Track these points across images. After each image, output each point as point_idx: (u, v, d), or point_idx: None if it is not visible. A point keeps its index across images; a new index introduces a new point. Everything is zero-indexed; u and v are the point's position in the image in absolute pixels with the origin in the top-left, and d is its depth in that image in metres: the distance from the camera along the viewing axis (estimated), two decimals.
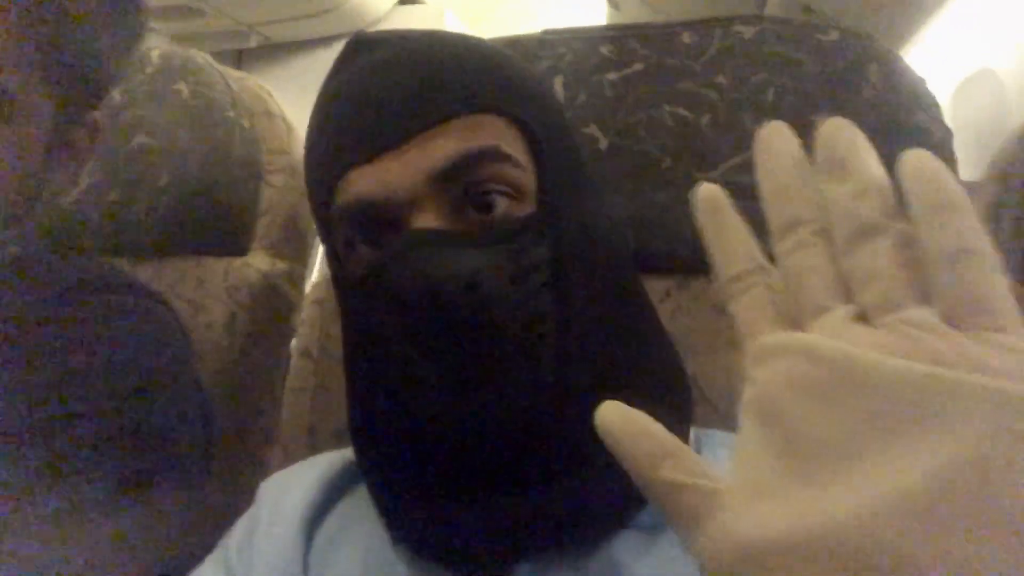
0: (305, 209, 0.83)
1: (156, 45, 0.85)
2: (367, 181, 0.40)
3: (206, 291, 0.75)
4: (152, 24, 0.58)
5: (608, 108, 0.65)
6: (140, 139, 0.79)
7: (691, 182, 0.62)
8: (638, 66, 0.66)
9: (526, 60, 0.65)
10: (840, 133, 0.25)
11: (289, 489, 0.48)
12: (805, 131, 0.26)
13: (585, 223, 0.44)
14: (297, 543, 0.44)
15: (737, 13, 0.67)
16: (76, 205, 0.78)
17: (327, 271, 0.69)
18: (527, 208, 0.41)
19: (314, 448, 0.66)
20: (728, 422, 0.48)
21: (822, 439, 0.22)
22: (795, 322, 0.25)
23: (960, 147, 0.62)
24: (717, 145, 0.62)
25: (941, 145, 0.61)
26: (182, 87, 0.81)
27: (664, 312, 0.59)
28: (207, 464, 0.59)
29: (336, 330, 0.67)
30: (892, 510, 0.19)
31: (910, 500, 0.19)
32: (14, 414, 0.46)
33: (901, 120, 0.60)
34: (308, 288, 0.77)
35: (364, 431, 0.46)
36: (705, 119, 0.63)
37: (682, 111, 0.63)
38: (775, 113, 0.62)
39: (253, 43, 1.99)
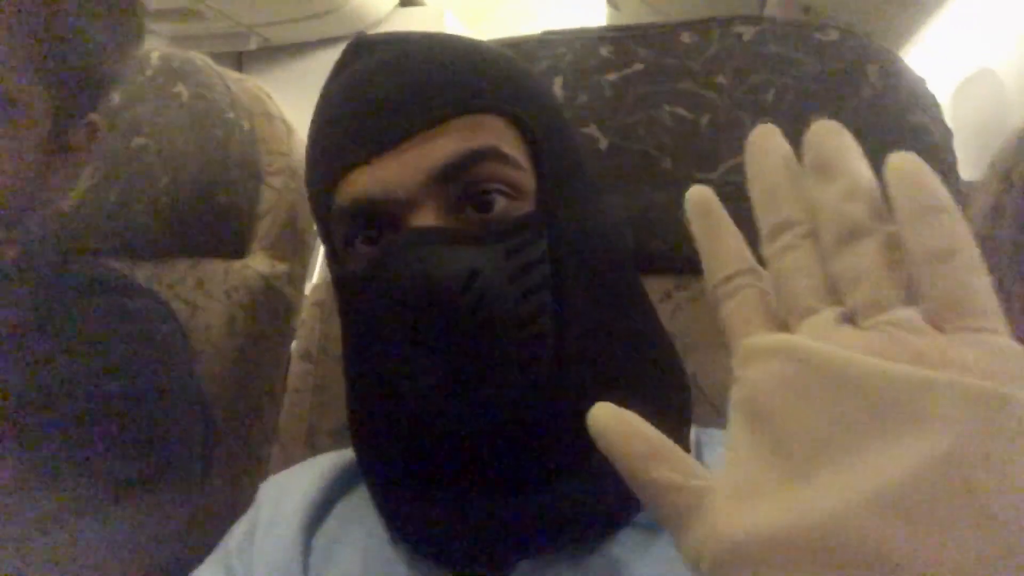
0: (305, 210, 0.83)
1: (156, 47, 0.85)
2: (367, 180, 0.40)
3: (205, 292, 0.75)
4: (152, 26, 0.58)
5: (608, 108, 0.65)
6: (139, 141, 0.79)
7: (690, 182, 0.62)
8: (638, 66, 0.66)
9: (526, 61, 0.65)
10: (828, 135, 0.25)
11: (289, 490, 0.48)
12: (804, 131, 0.26)
13: (584, 222, 0.44)
14: (297, 543, 0.44)
15: (737, 13, 0.67)
16: (75, 207, 0.78)
17: (327, 273, 0.69)
18: (526, 207, 0.41)
19: (314, 449, 0.66)
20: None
21: (808, 438, 0.22)
22: (784, 323, 0.25)
23: (960, 147, 0.62)
24: (717, 145, 0.62)
25: (941, 145, 0.61)
26: (181, 89, 0.81)
27: (664, 312, 0.59)
28: (207, 465, 0.59)
29: (335, 331, 0.67)
30: (873, 507, 0.20)
31: (891, 497, 0.20)
32: (12, 416, 0.46)
33: (901, 120, 0.60)
34: (308, 290, 0.77)
35: (364, 431, 0.46)
36: (705, 119, 0.63)
37: (682, 111, 0.63)
38: (775, 113, 0.62)
39: (253, 45, 1.99)
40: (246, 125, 0.81)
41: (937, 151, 0.60)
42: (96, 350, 0.51)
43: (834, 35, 0.63)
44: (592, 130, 0.65)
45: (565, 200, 0.43)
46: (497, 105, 0.42)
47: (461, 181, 0.40)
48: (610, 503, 0.40)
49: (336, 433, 0.66)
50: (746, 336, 0.26)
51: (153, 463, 0.50)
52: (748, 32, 0.65)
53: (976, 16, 1.18)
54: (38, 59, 0.51)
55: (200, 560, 0.47)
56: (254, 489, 0.51)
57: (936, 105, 0.62)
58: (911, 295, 0.23)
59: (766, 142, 0.27)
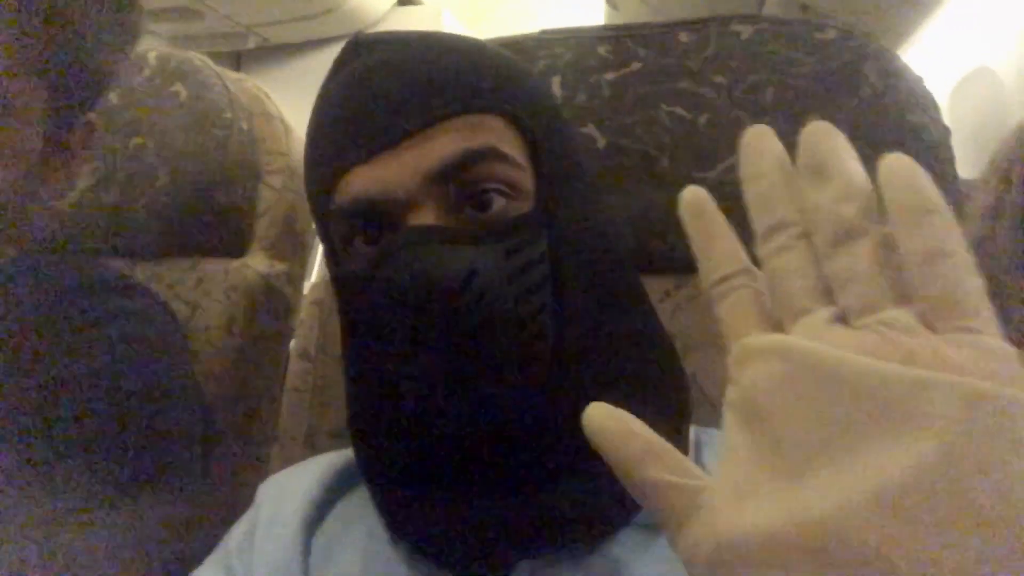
0: (303, 210, 0.83)
1: (154, 47, 0.85)
2: (365, 180, 0.40)
3: (204, 292, 0.75)
4: (150, 26, 0.58)
5: (606, 108, 0.65)
6: (138, 140, 0.79)
7: (689, 181, 0.62)
8: (636, 66, 0.66)
9: (524, 60, 0.65)
10: (822, 136, 0.25)
11: (289, 490, 0.48)
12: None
13: (583, 222, 0.44)
14: (297, 543, 0.44)
15: (735, 13, 0.67)
16: (74, 206, 0.78)
17: (325, 272, 0.69)
18: (525, 207, 0.41)
19: (313, 449, 0.66)
20: None
21: (801, 438, 0.22)
22: (779, 323, 0.25)
23: (958, 146, 0.62)
24: (715, 144, 0.62)
25: (939, 144, 0.61)
26: (180, 89, 0.81)
27: (663, 311, 0.59)
28: (206, 465, 0.59)
29: (334, 330, 0.67)
30: (866, 507, 0.20)
31: (884, 497, 0.20)
32: (12, 415, 0.46)
33: (899, 119, 0.60)
34: (307, 289, 0.77)
35: (363, 430, 0.46)
36: (703, 118, 0.63)
37: (680, 111, 0.63)
38: (773, 112, 0.62)
39: (251, 45, 1.99)
40: (245, 125, 0.81)
41: (936, 150, 0.60)
42: (95, 350, 0.51)
43: (832, 34, 0.63)
44: (590, 129, 0.65)
45: (564, 200, 0.43)
46: (496, 105, 0.42)
47: (460, 180, 0.40)
48: (610, 503, 0.40)
49: (335, 433, 0.66)
50: (741, 336, 0.26)
51: (152, 463, 0.50)
52: (746, 31, 0.65)
53: (974, 15, 1.18)
54: (36, 59, 0.51)
55: (200, 560, 0.47)
56: (253, 490, 0.51)
57: (935, 104, 0.62)
58: (904, 296, 0.23)
59: (760, 143, 0.27)
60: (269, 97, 0.88)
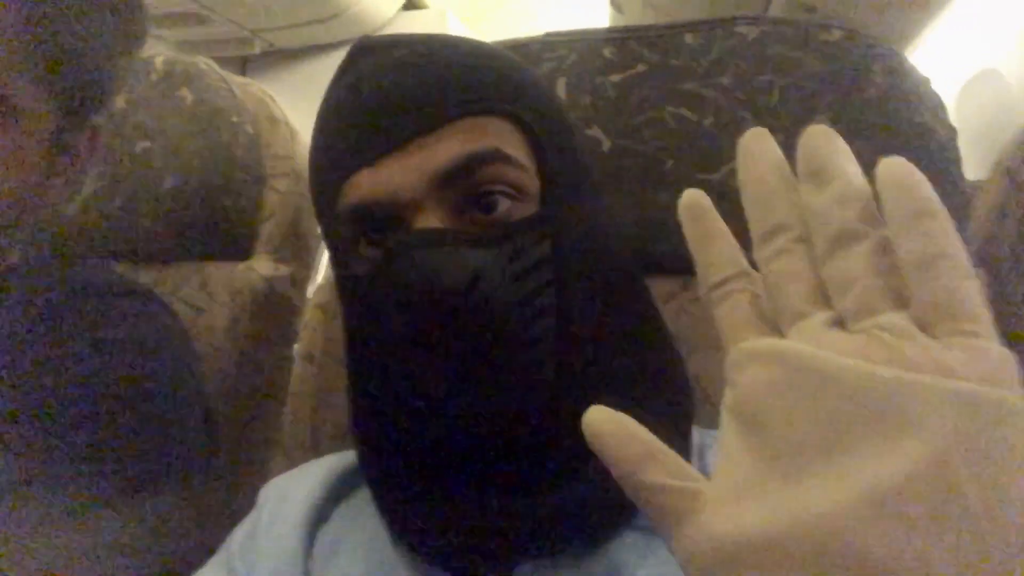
0: (308, 214, 0.83)
1: (160, 52, 0.85)
2: (371, 183, 0.40)
3: (209, 295, 0.75)
4: (156, 31, 0.58)
5: (611, 110, 0.65)
6: (144, 144, 0.79)
7: (694, 183, 0.62)
8: (641, 68, 0.65)
9: (528, 62, 0.65)
10: (820, 140, 0.25)
11: (291, 492, 0.48)
12: None
13: (587, 224, 0.44)
14: (299, 545, 0.44)
15: (740, 14, 0.66)
16: (80, 211, 0.78)
17: (330, 275, 0.69)
18: (530, 209, 0.41)
19: (316, 451, 0.66)
20: None
21: (797, 441, 0.22)
22: (776, 327, 0.26)
23: (965, 147, 0.62)
24: (720, 146, 0.62)
25: (946, 145, 0.61)
26: (186, 93, 0.81)
27: (668, 313, 0.59)
28: (209, 467, 0.59)
29: (338, 333, 0.67)
30: (861, 509, 0.20)
31: (876, 500, 0.20)
32: (16, 417, 0.47)
33: (905, 120, 0.60)
34: (311, 292, 0.78)
35: (366, 432, 0.46)
36: (708, 120, 0.63)
37: (685, 112, 0.63)
38: (778, 114, 0.62)
39: (257, 49, 1.99)
40: (250, 129, 0.81)
41: (942, 151, 0.60)
42: (99, 353, 0.51)
43: (838, 35, 0.63)
44: (595, 132, 0.65)
45: (569, 202, 0.43)
46: (500, 107, 0.42)
47: (465, 183, 0.40)
48: (611, 505, 0.40)
49: (338, 435, 0.66)
50: (738, 340, 0.26)
51: (156, 465, 0.50)
52: (751, 33, 0.64)
53: (981, 16, 1.18)
54: (40, 64, 0.51)
55: (202, 562, 0.47)
56: (256, 491, 0.51)
57: (941, 105, 0.62)
58: (902, 299, 0.23)
59: (758, 146, 0.27)
60: (274, 101, 0.88)
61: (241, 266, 0.78)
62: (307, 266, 0.86)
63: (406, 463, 0.43)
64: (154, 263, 0.78)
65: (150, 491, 0.49)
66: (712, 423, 0.50)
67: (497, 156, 0.40)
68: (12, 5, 0.49)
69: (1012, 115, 1.07)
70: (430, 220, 0.39)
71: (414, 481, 0.42)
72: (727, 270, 0.27)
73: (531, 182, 0.42)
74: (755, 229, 0.26)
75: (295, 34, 1.96)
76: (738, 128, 0.62)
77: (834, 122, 0.60)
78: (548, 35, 0.70)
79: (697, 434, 0.46)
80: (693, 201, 0.28)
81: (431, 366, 0.39)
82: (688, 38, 0.66)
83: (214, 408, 0.62)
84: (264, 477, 0.68)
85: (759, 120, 0.62)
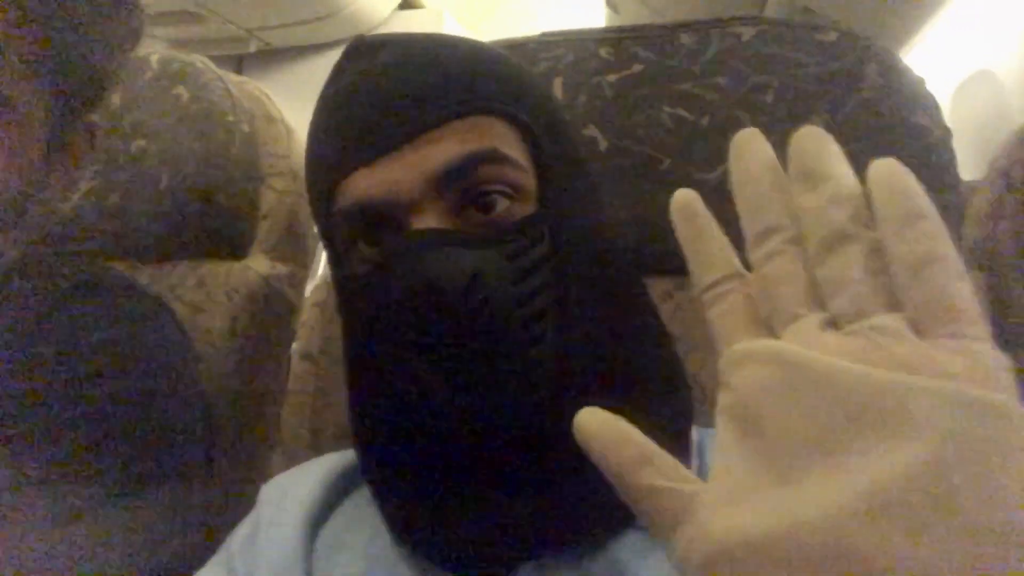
0: (305, 212, 0.83)
1: (156, 50, 0.85)
2: (368, 183, 0.40)
3: (206, 294, 0.75)
4: (152, 30, 0.58)
5: (608, 109, 0.65)
6: (140, 143, 0.79)
7: (691, 183, 0.62)
8: (637, 67, 0.66)
9: (525, 62, 0.65)
10: (812, 141, 0.25)
11: (291, 491, 0.48)
12: None
13: (585, 223, 0.44)
14: (300, 545, 0.44)
15: (736, 15, 0.67)
16: (76, 209, 0.78)
17: (328, 273, 0.69)
18: (528, 208, 0.41)
19: (315, 450, 0.65)
20: None
21: (793, 443, 0.22)
22: (770, 329, 0.26)
23: (960, 147, 0.62)
24: (717, 146, 0.62)
25: (940, 145, 0.61)
26: (182, 91, 0.81)
27: (665, 312, 0.59)
28: (208, 466, 0.59)
29: (337, 332, 0.67)
30: (856, 511, 0.20)
31: (873, 502, 0.20)
32: (14, 416, 0.47)
33: (900, 120, 0.60)
34: (309, 291, 0.77)
35: (365, 431, 0.46)
36: (704, 120, 0.63)
37: (681, 112, 0.64)
38: (774, 114, 0.62)
39: (253, 48, 1.99)
40: (247, 127, 0.81)
41: (937, 151, 0.60)
42: (97, 352, 0.51)
43: (833, 36, 0.63)
44: (592, 131, 0.65)
45: (566, 201, 0.43)
46: (498, 107, 0.42)
47: (462, 183, 0.40)
48: (612, 505, 0.39)
49: (338, 434, 0.66)
50: (732, 341, 0.26)
51: (154, 464, 0.50)
52: (748, 33, 0.65)
53: (976, 17, 1.19)
54: (37, 61, 0.51)
55: (202, 561, 0.47)
56: (256, 491, 0.51)
57: (936, 105, 0.62)
58: (895, 301, 0.23)
59: (750, 146, 0.27)
60: (271, 99, 0.88)
61: (238, 265, 0.78)
62: (305, 265, 0.86)
63: (407, 462, 0.43)
64: (151, 262, 0.78)
65: (150, 491, 0.49)
66: (711, 422, 0.50)
67: (495, 156, 0.40)
68: (9, 3, 0.49)
69: (1007, 116, 1.08)
70: (428, 220, 0.39)
71: (415, 480, 0.42)
72: (720, 271, 0.27)
73: (529, 182, 0.42)
74: (748, 230, 0.26)
75: (291, 33, 1.95)
76: (734, 128, 0.61)
77: (829, 122, 0.60)
78: (544, 35, 0.70)
79: (696, 433, 0.46)
80: (685, 202, 0.28)
81: (430, 366, 0.39)
82: (684, 38, 0.66)
83: (213, 407, 0.62)
84: (264, 476, 0.68)
85: (755, 120, 0.62)
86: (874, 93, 0.61)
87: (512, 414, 0.39)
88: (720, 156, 0.62)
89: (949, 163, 0.61)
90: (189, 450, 0.55)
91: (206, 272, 0.77)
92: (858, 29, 0.65)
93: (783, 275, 0.25)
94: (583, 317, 0.41)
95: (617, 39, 0.67)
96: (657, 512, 0.25)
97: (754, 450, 0.23)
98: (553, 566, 0.40)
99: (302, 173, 0.47)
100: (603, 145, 0.64)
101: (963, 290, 0.22)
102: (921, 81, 0.63)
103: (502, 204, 0.40)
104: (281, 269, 0.81)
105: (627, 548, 0.40)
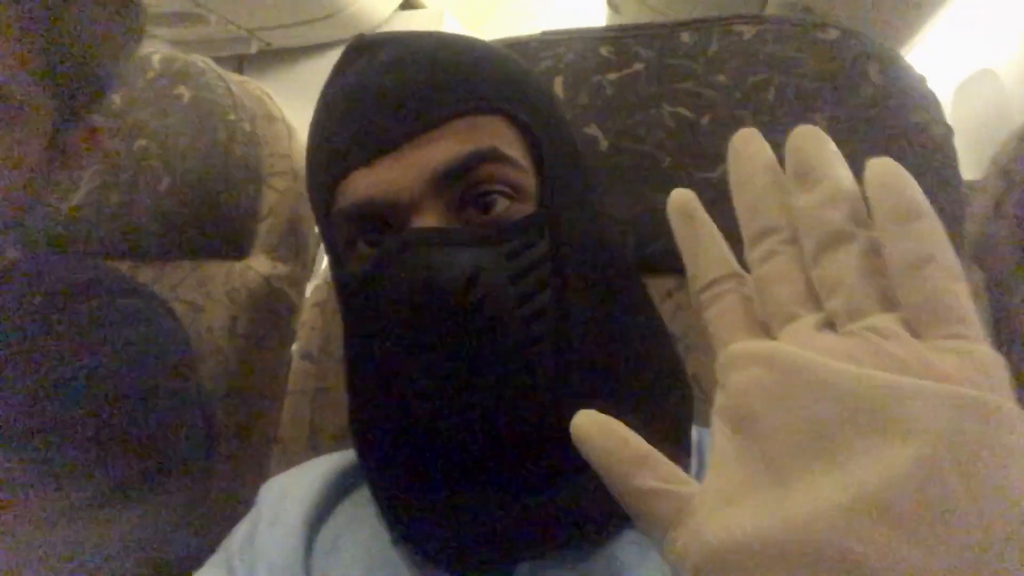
0: (306, 212, 0.83)
1: (157, 50, 0.85)
2: (368, 182, 0.40)
3: (207, 294, 0.75)
4: (153, 30, 0.58)
5: (608, 108, 0.65)
6: (141, 143, 0.79)
7: (691, 182, 0.62)
8: (638, 66, 0.66)
9: (526, 61, 0.65)
10: (809, 141, 0.25)
11: (290, 491, 0.48)
12: None
13: (585, 223, 0.44)
14: (299, 544, 0.44)
15: (737, 14, 0.67)
16: (78, 208, 0.78)
17: (328, 273, 0.69)
18: (527, 208, 0.41)
19: (315, 450, 0.66)
20: None
21: (788, 444, 0.22)
22: (767, 329, 0.26)
23: (961, 147, 0.62)
24: (717, 145, 0.62)
25: (942, 144, 0.61)
26: (183, 91, 0.81)
27: (665, 312, 0.59)
28: (208, 466, 0.59)
29: (337, 332, 0.67)
30: (851, 513, 0.20)
31: (867, 503, 0.20)
32: (15, 415, 0.47)
33: (902, 119, 0.60)
34: (309, 291, 0.78)
35: (365, 431, 0.46)
36: (705, 119, 0.63)
37: (682, 111, 0.64)
38: (775, 112, 0.62)
39: (254, 49, 1.99)
40: (248, 127, 0.81)
41: (938, 150, 0.60)
42: (98, 351, 0.51)
43: (834, 34, 0.63)
44: (593, 130, 0.65)
45: (566, 200, 0.43)
46: (498, 105, 0.42)
47: (462, 182, 0.40)
48: (611, 504, 0.39)
49: (338, 434, 0.66)
50: (728, 342, 0.26)
51: (155, 464, 0.50)
52: (748, 32, 0.65)
53: (977, 16, 1.18)
54: (39, 61, 0.51)
55: (201, 561, 0.47)
56: (255, 491, 0.51)
57: (937, 104, 0.62)
58: (892, 301, 0.23)
59: (748, 147, 0.27)
60: (272, 99, 0.88)
61: (239, 265, 0.78)
62: (305, 265, 0.86)
63: (406, 462, 0.43)
64: (152, 261, 0.78)
65: (150, 490, 0.49)
66: (711, 421, 0.50)
67: (495, 155, 0.40)
68: (11, 3, 0.49)
69: (1008, 115, 1.08)
70: (427, 219, 0.39)
71: (414, 480, 0.42)
72: (717, 271, 0.27)
73: (529, 181, 0.42)
74: (745, 231, 0.26)
75: (292, 34, 1.95)
76: (735, 126, 0.61)
77: (830, 121, 0.60)
78: (545, 34, 0.70)
79: (696, 432, 0.46)
80: (682, 202, 0.28)
81: (430, 365, 0.39)
82: (685, 37, 0.66)
83: (213, 407, 0.62)
84: (263, 476, 0.68)
85: (756, 119, 0.62)
86: (875, 92, 0.61)
87: (511, 414, 0.39)
88: (721, 155, 0.62)
89: (950, 161, 0.61)
90: (189, 450, 0.55)
91: (206, 272, 0.77)
92: (859, 28, 0.65)
93: (780, 275, 0.25)
94: (582, 316, 0.41)
95: (618, 38, 0.67)
96: (652, 514, 0.25)
97: (750, 451, 0.23)
98: (553, 566, 0.40)
99: (303, 173, 0.47)
100: (603, 144, 0.64)
101: (959, 291, 0.22)
102: (922, 80, 0.63)
103: (501, 203, 0.40)
104: (281, 269, 0.81)
105: (626, 548, 0.40)
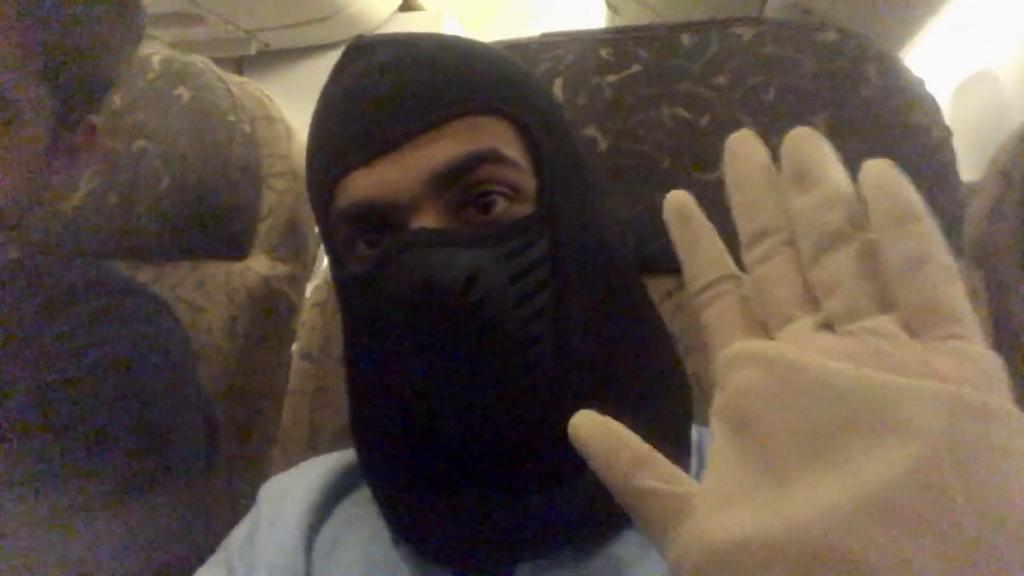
0: (306, 212, 0.83)
1: (157, 50, 0.85)
2: (367, 183, 0.40)
3: (207, 294, 0.75)
4: (153, 31, 0.58)
5: (607, 110, 0.65)
6: (141, 143, 0.79)
7: (691, 183, 0.62)
8: (637, 68, 0.66)
9: (526, 62, 0.65)
10: (805, 143, 0.25)
11: (290, 490, 0.48)
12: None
13: (584, 223, 0.44)
14: (299, 544, 0.44)
15: (736, 15, 0.67)
16: (77, 209, 0.78)
17: (327, 273, 0.69)
18: (527, 208, 0.41)
19: (315, 450, 0.66)
20: None
21: (787, 445, 0.22)
22: (765, 330, 0.26)
23: (960, 148, 0.62)
24: (716, 146, 0.62)
25: (940, 145, 0.61)
26: (183, 92, 0.81)
27: (665, 312, 0.59)
28: (208, 466, 0.59)
29: (337, 332, 0.67)
30: (850, 513, 0.20)
31: (867, 503, 0.20)
32: (15, 415, 0.47)
33: (900, 121, 0.61)
34: (309, 291, 0.78)
35: (365, 432, 0.46)
36: (704, 120, 0.63)
37: (681, 112, 0.64)
38: (774, 114, 0.62)
39: (253, 50, 1.99)
40: (247, 128, 0.81)
41: (937, 151, 0.61)
42: (97, 352, 0.51)
43: (833, 36, 0.64)
44: (592, 131, 0.65)
45: (566, 201, 0.43)
46: (497, 107, 0.42)
47: (461, 183, 0.40)
48: (611, 504, 0.39)
49: (337, 434, 0.66)
50: (726, 343, 0.26)
51: (155, 464, 0.50)
52: (747, 33, 0.65)
53: (976, 18, 1.19)
54: (39, 61, 0.51)
55: (201, 561, 0.47)
56: (255, 491, 0.51)
57: (936, 106, 0.62)
58: (889, 302, 0.23)
59: (744, 148, 0.27)
60: (271, 100, 0.88)
61: (239, 265, 0.78)
62: (305, 265, 0.86)
63: (406, 462, 0.43)
64: (151, 262, 0.78)
65: (150, 491, 0.49)
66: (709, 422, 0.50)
67: (494, 156, 0.40)
68: (11, 3, 0.49)
69: (1007, 116, 1.08)
70: (427, 220, 0.39)
71: (414, 480, 0.42)
72: (714, 273, 0.27)
73: (528, 182, 0.42)
74: (743, 232, 0.26)
75: (291, 35, 1.95)
76: (734, 128, 0.61)
77: (829, 122, 0.60)
78: (545, 35, 0.70)
79: (696, 432, 0.46)
80: (679, 203, 0.28)
81: (429, 366, 0.39)
82: (684, 38, 0.66)
83: (213, 407, 0.62)
84: (263, 476, 0.68)
85: (755, 120, 0.62)
86: (874, 93, 0.61)
87: (511, 414, 0.39)
88: (720, 156, 0.62)
89: (949, 163, 0.61)
90: (189, 450, 0.55)
91: (206, 272, 0.77)
92: (858, 29, 0.65)
93: (777, 277, 0.25)
94: (581, 317, 0.41)
95: (617, 40, 0.67)
96: (651, 514, 0.25)
97: (748, 452, 0.23)
98: (553, 566, 0.40)
99: (302, 173, 0.47)
100: (603, 145, 0.64)
101: (956, 292, 0.22)
102: (921, 81, 0.63)
103: (501, 204, 0.40)
104: (281, 269, 0.81)
105: (626, 547, 0.40)
